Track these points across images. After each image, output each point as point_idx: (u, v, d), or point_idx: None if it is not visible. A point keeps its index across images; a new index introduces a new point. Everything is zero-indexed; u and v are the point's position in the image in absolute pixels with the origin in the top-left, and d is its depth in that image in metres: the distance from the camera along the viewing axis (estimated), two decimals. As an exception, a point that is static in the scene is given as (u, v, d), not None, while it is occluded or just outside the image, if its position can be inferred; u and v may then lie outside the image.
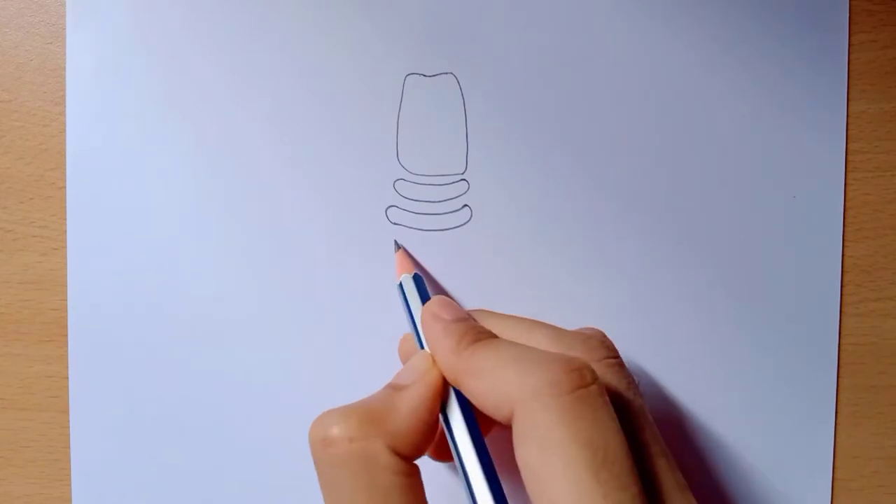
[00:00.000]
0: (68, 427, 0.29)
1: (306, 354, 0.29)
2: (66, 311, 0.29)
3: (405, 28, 0.29)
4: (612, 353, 0.24)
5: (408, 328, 0.26)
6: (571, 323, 0.29)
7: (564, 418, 0.19)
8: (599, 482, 0.18)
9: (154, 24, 0.29)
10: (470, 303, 0.29)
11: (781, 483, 0.29)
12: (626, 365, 0.24)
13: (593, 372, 0.20)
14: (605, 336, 0.25)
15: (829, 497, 0.29)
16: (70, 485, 0.29)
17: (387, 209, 0.29)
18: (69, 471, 0.29)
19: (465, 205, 0.29)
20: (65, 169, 0.29)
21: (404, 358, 0.27)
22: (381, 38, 0.29)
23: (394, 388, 0.22)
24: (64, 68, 0.29)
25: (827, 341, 0.29)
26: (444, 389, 0.22)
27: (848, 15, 0.28)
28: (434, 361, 0.23)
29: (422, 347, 0.24)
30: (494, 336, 0.23)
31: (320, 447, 0.20)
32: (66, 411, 0.29)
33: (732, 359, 0.29)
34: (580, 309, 0.29)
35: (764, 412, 0.29)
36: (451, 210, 0.29)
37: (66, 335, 0.29)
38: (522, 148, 0.29)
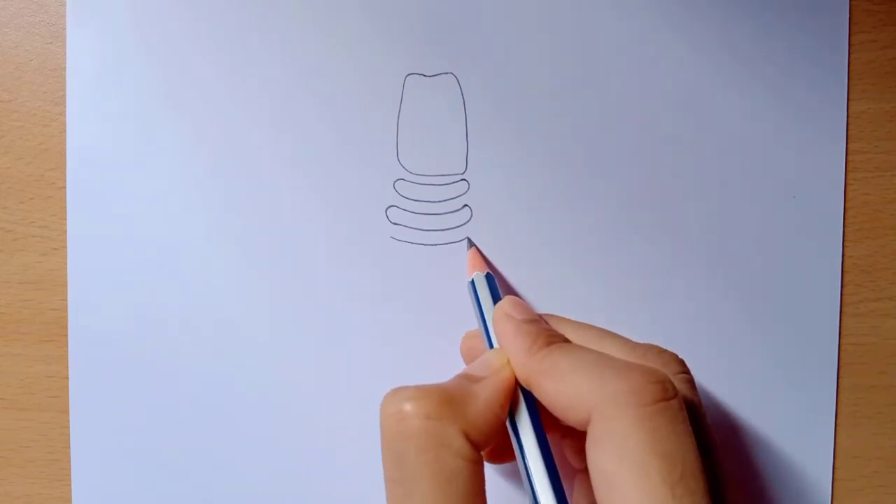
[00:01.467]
0: (68, 427, 0.29)
1: (306, 354, 0.29)
2: (66, 311, 0.29)
3: (405, 28, 0.29)
4: (685, 369, 0.23)
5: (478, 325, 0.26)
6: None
7: (644, 428, 0.19)
8: (675, 497, 0.18)
9: (154, 25, 0.29)
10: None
11: (781, 483, 0.29)
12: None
13: (674, 386, 0.20)
14: (672, 352, 0.25)
15: (829, 497, 0.29)
16: (70, 485, 0.29)
17: (387, 209, 0.29)
18: (69, 471, 0.29)
19: (465, 205, 0.29)
20: (65, 169, 0.29)
21: (466, 354, 0.27)
22: (381, 38, 0.29)
23: (468, 377, 0.22)
24: (64, 68, 0.29)
25: (827, 341, 0.29)
26: (515, 391, 0.22)
27: (848, 15, 0.28)
28: (507, 359, 0.23)
29: (490, 345, 0.24)
30: (567, 340, 0.23)
31: (394, 420, 0.20)
32: (66, 411, 0.29)
33: (732, 359, 0.29)
34: (580, 309, 0.29)
35: (764, 412, 0.29)
36: (451, 210, 0.29)
37: (66, 335, 0.29)
38: (522, 148, 0.29)
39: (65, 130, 0.29)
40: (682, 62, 0.28)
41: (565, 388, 0.20)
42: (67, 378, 0.29)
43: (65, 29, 0.29)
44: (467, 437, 0.20)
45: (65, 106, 0.29)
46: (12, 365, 0.30)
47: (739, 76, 0.28)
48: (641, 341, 0.25)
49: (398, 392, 0.21)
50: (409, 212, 0.29)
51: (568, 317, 0.26)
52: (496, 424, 0.21)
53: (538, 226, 0.29)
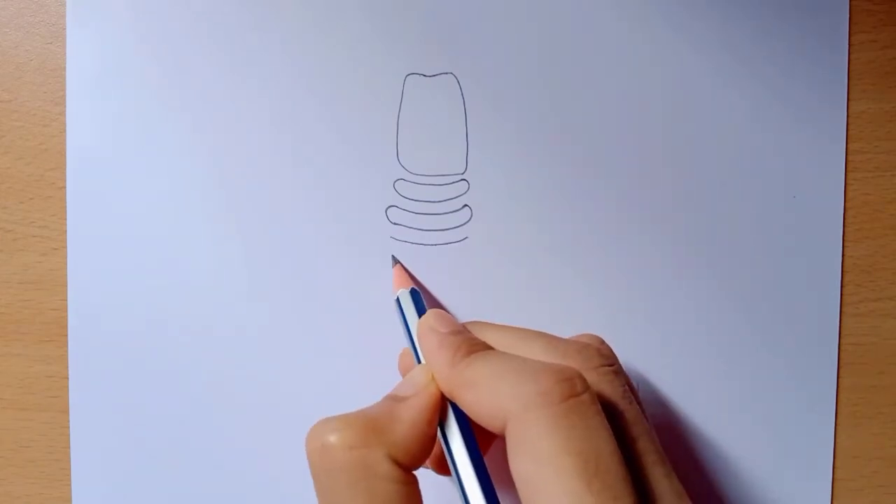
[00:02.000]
0: (68, 427, 0.29)
1: (306, 354, 0.29)
2: (66, 311, 0.29)
3: (405, 28, 0.29)
4: (608, 361, 0.23)
5: (406, 342, 0.26)
6: (571, 322, 0.29)
7: (555, 428, 0.19)
8: (592, 492, 0.18)
9: (154, 25, 0.29)
10: (470, 304, 0.29)
11: (781, 483, 0.29)
12: (626, 369, 0.24)
13: (584, 381, 0.20)
14: (602, 343, 0.25)
15: (829, 497, 0.29)
16: (70, 485, 0.29)
17: (387, 209, 0.29)
18: (69, 471, 0.29)
19: (465, 205, 0.29)
20: (65, 169, 0.29)
21: (404, 373, 0.27)
22: (381, 38, 0.29)
23: (393, 399, 0.22)
24: (64, 68, 0.29)
25: (827, 341, 0.29)
26: (443, 403, 0.22)
27: (848, 15, 0.28)
28: (432, 375, 0.23)
29: (419, 362, 0.24)
30: (489, 348, 0.23)
31: (318, 454, 0.20)
32: (66, 411, 0.29)
33: (732, 359, 0.29)
34: (580, 309, 0.29)
35: (764, 412, 0.29)
36: (451, 210, 0.29)
37: (66, 335, 0.29)
38: (522, 148, 0.29)
39: (65, 130, 0.29)
40: (682, 62, 0.28)
41: (484, 397, 0.20)
42: (67, 378, 0.29)
43: (65, 29, 0.29)
44: (395, 461, 0.20)
45: (65, 106, 0.29)
46: (12, 365, 0.30)
47: (739, 76, 0.28)
48: (575, 335, 0.25)
49: (321, 425, 0.21)
50: (409, 212, 0.29)
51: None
52: (425, 442, 0.21)
53: (538, 226, 0.29)
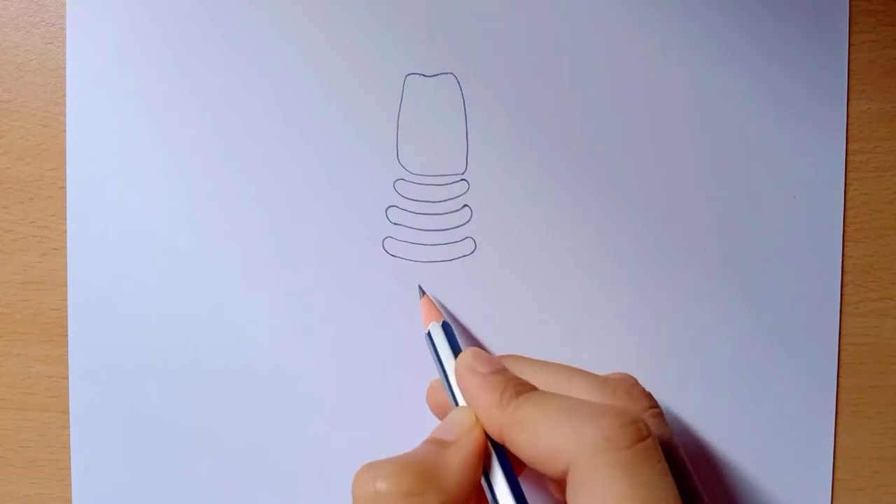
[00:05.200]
0: (68, 427, 0.29)
1: (305, 354, 0.29)
2: (66, 311, 0.29)
3: (405, 28, 0.29)
4: (654, 403, 0.24)
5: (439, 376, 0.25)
6: (572, 322, 0.29)
7: (624, 474, 0.19)
8: None
9: (154, 24, 0.29)
10: (470, 304, 0.29)
11: (781, 483, 0.29)
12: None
13: (647, 426, 0.20)
14: (639, 383, 0.25)
15: (829, 497, 0.29)
16: (70, 485, 0.29)
17: (387, 209, 0.29)
18: (69, 471, 0.29)
19: (465, 205, 0.29)
20: (65, 169, 0.29)
21: (434, 407, 0.27)
22: (381, 38, 0.29)
23: (439, 443, 0.22)
24: (64, 68, 0.29)
25: (827, 341, 0.29)
26: (486, 447, 0.22)
27: (848, 15, 0.28)
28: (476, 417, 0.22)
29: (453, 398, 0.24)
30: (535, 388, 0.23)
31: (369, 500, 0.20)
32: (66, 411, 0.29)
33: (732, 358, 0.29)
34: (580, 309, 0.29)
35: (764, 412, 0.29)
36: (451, 210, 0.29)
37: (66, 335, 0.29)
38: (522, 148, 0.29)
39: (65, 130, 0.29)
40: (682, 62, 0.28)
41: (540, 440, 0.20)
42: (67, 378, 0.29)
43: (65, 29, 0.29)
44: None
45: (65, 106, 0.29)
46: (12, 365, 0.30)
47: (739, 76, 0.28)
48: (608, 374, 0.25)
49: (370, 469, 0.21)
50: (409, 212, 0.29)
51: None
52: (472, 487, 0.21)
53: (538, 225, 0.29)
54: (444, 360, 0.25)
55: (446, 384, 0.25)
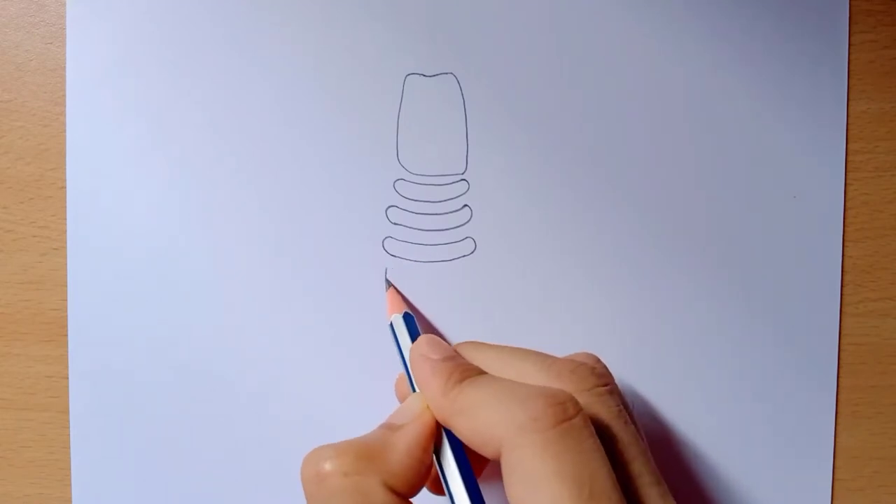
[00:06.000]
0: (68, 427, 0.29)
1: (305, 354, 0.29)
2: (66, 311, 0.29)
3: (405, 28, 0.29)
4: (603, 381, 0.23)
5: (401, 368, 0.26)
6: (572, 321, 0.29)
7: (548, 454, 0.19)
8: None
9: (153, 24, 0.29)
10: (471, 303, 0.29)
11: (781, 483, 0.29)
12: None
13: (577, 404, 0.20)
14: (597, 362, 0.24)
15: (830, 497, 0.29)
16: (70, 485, 0.29)
17: (387, 209, 0.29)
18: (69, 471, 0.29)
19: (465, 205, 0.29)
20: (65, 169, 0.29)
21: (401, 398, 0.27)
22: (382, 38, 0.29)
23: (389, 427, 0.22)
24: (64, 68, 0.29)
25: (827, 341, 0.29)
26: (438, 430, 0.22)
27: (848, 15, 0.28)
28: (426, 404, 0.23)
29: (413, 388, 0.24)
30: (482, 372, 0.23)
31: (313, 481, 0.20)
32: (66, 411, 0.29)
33: (732, 358, 0.29)
34: (580, 309, 0.29)
35: (764, 413, 0.29)
36: (451, 210, 0.29)
37: (66, 335, 0.29)
38: (522, 148, 0.29)
39: (65, 130, 0.29)
40: (682, 63, 0.28)
41: (477, 424, 0.20)
42: (67, 378, 0.29)
43: (65, 29, 0.29)
44: (390, 488, 0.20)
45: (65, 106, 0.29)
46: (12, 365, 0.30)
47: (740, 76, 0.28)
48: (568, 355, 0.24)
49: (316, 452, 0.21)
50: (409, 212, 0.29)
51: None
52: (421, 469, 0.21)
53: (538, 226, 0.29)
54: (403, 349, 0.25)
55: (407, 374, 0.25)
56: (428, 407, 0.22)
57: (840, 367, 0.29)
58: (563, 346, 0.28)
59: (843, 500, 0.29)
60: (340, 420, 0.29)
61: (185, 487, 0.29)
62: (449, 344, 0.25)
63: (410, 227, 0.29)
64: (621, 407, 0.23)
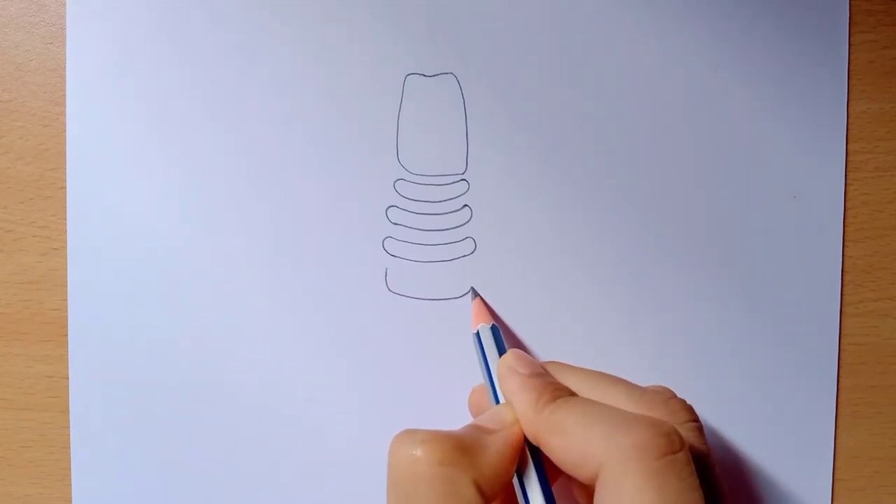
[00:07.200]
0: (68, 427, 0.29)
1: (305, 354, 0.29)
2: (66, 311, 0.29)
3: (405, 28, 0.29)
4: (693, 417, 0.23)
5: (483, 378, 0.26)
6: (573, 321, 0.29)
7: (652, 485, 0.19)
8: None
9: (154, 25, 0.29)
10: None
11: (781, 483, 0.29)
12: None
13: (681, 438, 0.20)
14: (678, 397, 0.24)
15: (830, 497, 0.29)
16: (70, 485, 0.29)
17: (387, 209, 0.29)
18: (69, 471, 0.29)
19: (465, 205, 0.29)
20: (65, 169, 0.29)
21: (474, 408, 0.27)
22: (381, 38, 0.29)
23: (480, 429, 0.22)
24: (64, 68, 0.29)
25: (827, 341, 0.29)
26: (522, 448, 0.22)
27: (848, 15, 0.28)
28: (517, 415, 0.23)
29: (496, 399, 0.24)
30: (573, 393, 0.23)
31: (406, 463, 0.20)
32: (66, 411, 0.29)
33: (732, 358, 0.29)
34: (580, 309, 0.29)
35: (764, 412, 0.29)
36: (451, 210, 0.29)
37: (66, 335, 0.29)
38: (522, 148, 0.29)
39: (65, 130, 0.29)
40: (682, 63, 0.28)
41: (573, 444, 0.20)
42: (67, 378, 0.29)
43: (65, 29, 0.29)
44: (478, 488, 0.20)
45: (65, 106, 0.29)
46: (12, 365, 0.30)
47: (739, 76, 0.28)
48: (649, 385, 0.25)
49: (410, 434, 0.21)
50: (409, 212, 0.29)
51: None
52: (505, 478, 0.21)
53: (538, 226, 0.29)
54: (489, 361, 0.25)
55: (489, 384, 0.25)
56: (517, 420, 0.22)
57: (840, 367, 0.29)
58: (563, 346, 0.28)
59: (843, 500, 0.29)
60: (341, 420, 0.29)
61: (184, 487, 0.29)
62: (537, 360, 0.25)
63: (410, 227, 0.29)
64: (707, 444, 0.23)
